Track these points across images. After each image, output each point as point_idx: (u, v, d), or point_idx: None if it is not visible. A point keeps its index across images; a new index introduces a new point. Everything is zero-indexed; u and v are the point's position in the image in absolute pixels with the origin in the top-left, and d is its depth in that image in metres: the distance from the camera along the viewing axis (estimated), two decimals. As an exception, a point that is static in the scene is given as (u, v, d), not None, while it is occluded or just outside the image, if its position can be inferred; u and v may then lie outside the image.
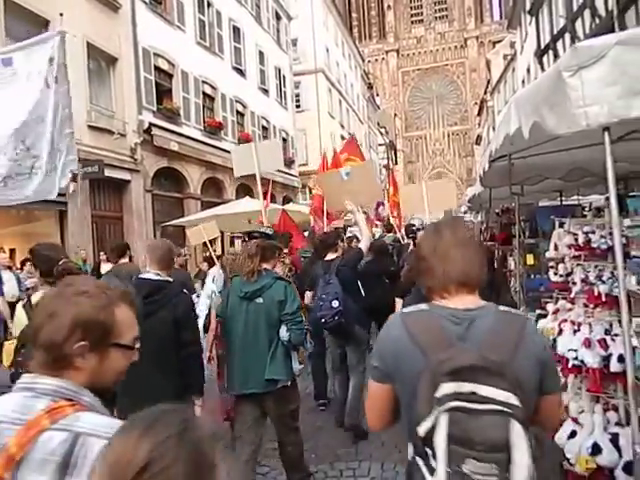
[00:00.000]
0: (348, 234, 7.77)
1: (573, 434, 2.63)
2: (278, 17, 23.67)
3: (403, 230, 8.89)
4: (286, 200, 20.12)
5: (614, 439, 2.45)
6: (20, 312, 2.90)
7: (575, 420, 2.69)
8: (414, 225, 9.85)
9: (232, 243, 15.70)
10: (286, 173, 21.28)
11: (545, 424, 1.44)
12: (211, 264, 6.98)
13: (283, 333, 3.09)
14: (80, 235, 10.54)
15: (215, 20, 17.10)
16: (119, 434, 0.76)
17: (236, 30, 18.55)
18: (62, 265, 2.87)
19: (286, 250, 5.54)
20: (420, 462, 1.22)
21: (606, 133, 1.76)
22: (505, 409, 1.12)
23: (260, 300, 3.10)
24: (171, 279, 2.93)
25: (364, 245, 4.44)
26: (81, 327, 1.03)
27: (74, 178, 4.65)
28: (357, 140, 10.24)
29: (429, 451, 1.16)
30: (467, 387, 1.14)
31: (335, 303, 3.87)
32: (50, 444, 0.93)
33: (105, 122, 11.49)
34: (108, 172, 10.39)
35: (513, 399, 1.13)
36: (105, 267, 7.24)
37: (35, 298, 2.89)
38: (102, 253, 6.00)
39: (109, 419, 1.02)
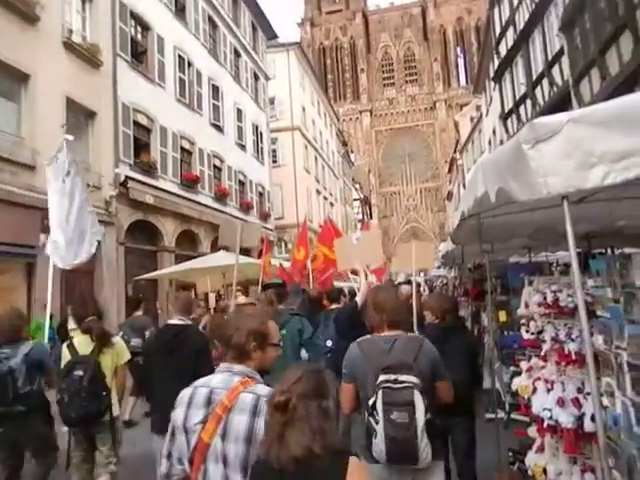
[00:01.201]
0: None
1: (552, 498, 2.59)
2: (256, 77, 24.61)
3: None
4: (262, 253, 20.01)
5: (592, 503, 2.41)
6: (65, 350, 3.72)
7: (553, 483, 2.65)
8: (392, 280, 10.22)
9: (206, 297, 15.36)
10: (262, 227, 21.35)
11: (443, 400, 2.52)
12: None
13: (304, 354, 4.00)
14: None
15: (195, 79, 17.65)
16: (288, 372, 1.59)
17: (215, 88, 19.15)
18: (84, 325, 3.74)
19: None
20: (371, 419, 2.28)
21: (565, 201, 1.85)
22: (411, 385, 2.22)
23: (284, 331, 3.82)
24: (191, 322, 3.74)
25: (360, 299, 4.98)
26: (252, 335, 1.84)
27: (45, 230, 5.13)
28: (332, 223, 10.81)
29: (374, 412, 2.26)
30: (392, 376, 2.25)
31: (329, 342, 4.62)
32: (245, 400, 1.70)
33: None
34: (81, 224, 10.21)
35: (416, 380, 2.24)
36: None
37: (76, 339, 3.75)
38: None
39: (269, 387, 1.72)
